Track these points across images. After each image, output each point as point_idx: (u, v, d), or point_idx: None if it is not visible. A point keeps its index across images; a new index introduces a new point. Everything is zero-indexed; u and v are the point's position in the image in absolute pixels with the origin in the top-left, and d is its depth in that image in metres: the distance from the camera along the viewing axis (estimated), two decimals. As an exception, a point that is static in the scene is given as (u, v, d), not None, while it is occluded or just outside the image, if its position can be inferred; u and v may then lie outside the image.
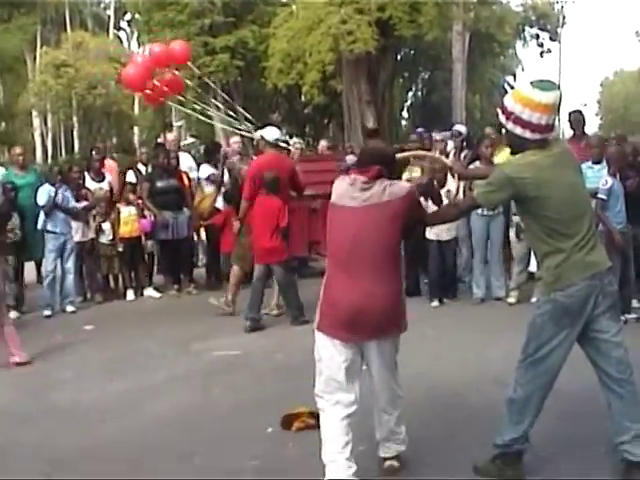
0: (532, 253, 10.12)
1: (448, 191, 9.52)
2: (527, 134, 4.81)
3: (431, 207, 5.72)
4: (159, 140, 16.36)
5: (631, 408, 4.95)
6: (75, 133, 49.12)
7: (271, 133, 11.08)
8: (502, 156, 10.82)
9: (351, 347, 5.11)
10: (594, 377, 5.22)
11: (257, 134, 11.78)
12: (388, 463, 5.46)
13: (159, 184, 12.91)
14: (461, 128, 13.33)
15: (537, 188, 4.78)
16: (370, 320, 5.05)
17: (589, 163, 9.77)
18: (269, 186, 10.37)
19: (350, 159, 14.57)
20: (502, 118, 4.94)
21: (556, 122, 5.01)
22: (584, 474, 5.17)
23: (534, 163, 4.81)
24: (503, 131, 5.19)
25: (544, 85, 4.81)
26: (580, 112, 12.33)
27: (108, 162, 14.57)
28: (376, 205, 4.94)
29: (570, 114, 12.26)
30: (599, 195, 9.10)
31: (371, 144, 6.36)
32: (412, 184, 5.58)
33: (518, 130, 4.83)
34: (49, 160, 43.70)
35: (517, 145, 4.95)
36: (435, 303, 11.21)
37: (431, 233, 10.85)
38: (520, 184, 4.79)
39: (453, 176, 5.97)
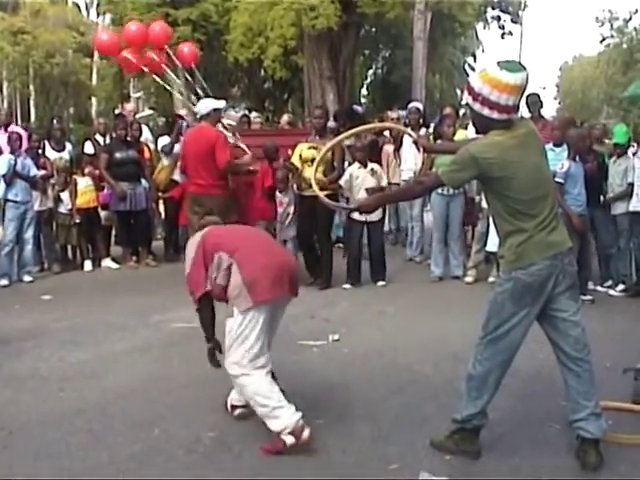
0: (489, 233, 10.28)
1: (422, 163, 9.57)
2: (494, 115, 4.83)
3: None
4: (117, 111, 16.20)
5: (587, 386, 5.03)
6: (32, 102, 48.48)
7: (200, 105, 11.10)
8: (460, 136, 10.94)
9: (270, 309, 5.46)
10: (550, 357, 5.31)
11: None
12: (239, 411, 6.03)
13: (117, 155, 12.82)
14: (418, 105, 13.35)
15: (502, 168, 4.81)
16: (290, 277, 5.55)
17: (550, 145, 9.84)
18: (267, 153, 11.58)
19: (330, 124, 14.67)
20: (469, 99, 4.94)
21: (521, 103, 5.04)
22: (539, 450, 5.26)
23: (499, 143, 4.84)
24: (467, 111, 5.21)
25: (512, 66, 4.83)
26: (537, 95, 12.42)
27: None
28: None
29: (527, 96, 12.32)
30: (556, 179, 9.18)
31: None
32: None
33: (486, 111, 4.85)
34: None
35: (483, 125, 4.97)
36: (347, 286, 11.19)
37: (357, 214, 10.40)
38: (485, 164, 4.82)
39: (419, 150, 5.99)
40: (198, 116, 11.10)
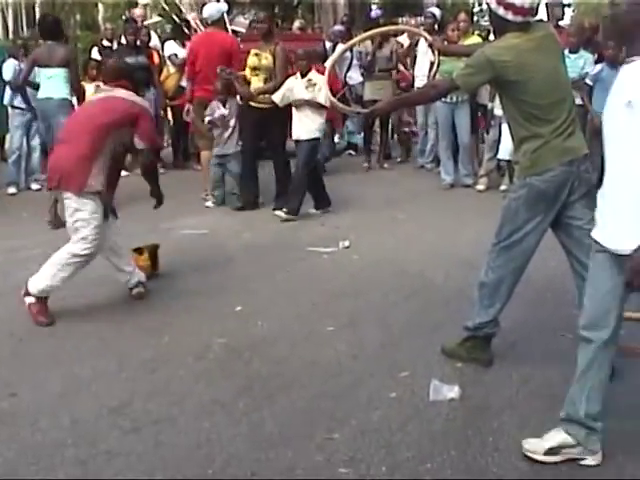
0: (501, 141, 10.17)
1: (431, 63, 9.24)
2: (509, 16, 4.69)
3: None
4: (133, 15, 15.97)
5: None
6: (37, 9, 47.81)
7: (207, 10, 10.92)
8: (472, 41, 10.75)
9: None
10: (562, 266, 5.26)
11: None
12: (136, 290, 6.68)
13: (127, 61, 12.64)
14: (435, 10, 13.09)
15: (517, 72, 4.69)
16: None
17: (566, 52, 9.65)
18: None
19: (339, 28, 14.43)
20: None
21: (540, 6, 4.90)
22: (551, 360, 5.22)
23: (516, 46, 4.71)
24: (484, 15, 5.08)
25: None
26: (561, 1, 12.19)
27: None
28: None
29: (547, 3, 12.09)
30: (586, 80, 9.04)
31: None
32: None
33: (501, 11, 4.71)
34: (10, 35, 42.64)
35: (499, 27, 4.84)
36: (279, 212, 9.74)
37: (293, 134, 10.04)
38: (500, 67, 4.70)
39: (433, 52, 5.85)
40: (210, 21, 10.92)
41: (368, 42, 12.59)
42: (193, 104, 10.78)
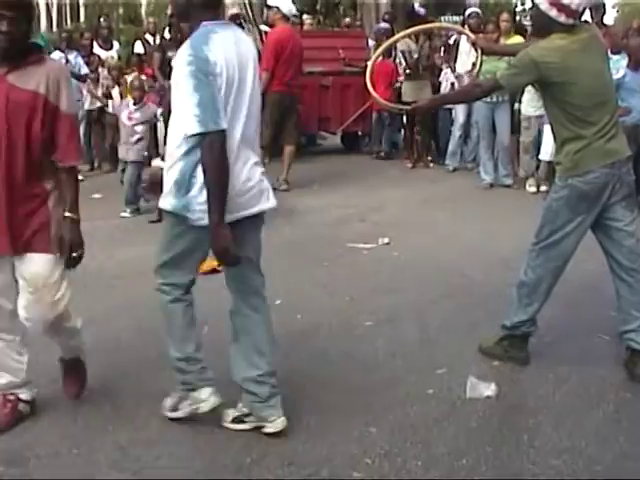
0: (542, 142, 10.17)
1: (473, 64, 9.14)
2: (562, 18, 4.70)
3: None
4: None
5: (639, 297, 4.98)
6: (81, 2, 48.13)
7: (288, 5, 10.97)
8: (512, 42, 10.73)
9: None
10: (600, 268, 5.29)
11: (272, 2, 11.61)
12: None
13: (170, 54, 12.74)
14: (476, 9, 13.03)
15: (562, 73, 4.71)
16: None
17: (608, 53, 9.59)
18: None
19: (384, 25, 14.40)
20: None
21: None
22: (587, 360, 5.24)
23: (561, 48, 4.73)
24: (528, 14, 5.09)
25: None
26: (602, 1, 12.08)
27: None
28: None
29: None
30: None
31: None
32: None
33: (553, 12, 4.70)
34: (54, 28, 42.92)
35: (545, 27, 4.83)
36: None
37: None
38: (545, 68, 4.72)
39: (477, 50, 5.87)
40: (291, 15, 11.11)
41: (409, 41, 12.63)
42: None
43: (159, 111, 10.06)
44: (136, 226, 8.96)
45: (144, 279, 6.92)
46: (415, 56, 12.86)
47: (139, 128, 9.81)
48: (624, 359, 5.10)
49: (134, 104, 9.93)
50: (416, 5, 15.00)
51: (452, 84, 12.67)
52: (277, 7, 11.02)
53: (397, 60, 13.33)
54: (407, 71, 13.05)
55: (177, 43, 12.68)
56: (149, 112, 10.00)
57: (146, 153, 10.01)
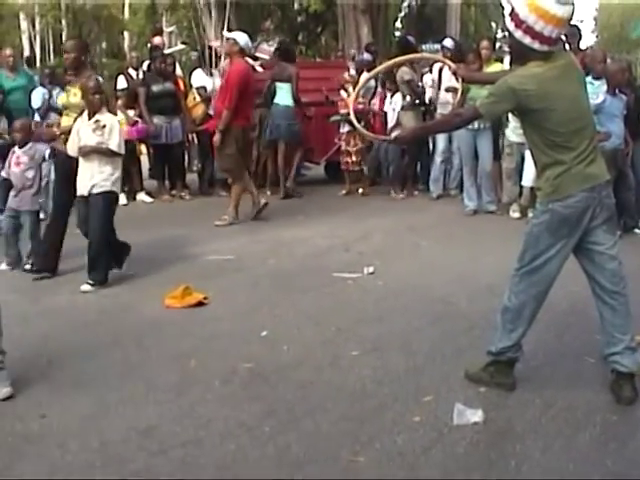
0: (524, 168, 10.26)
1: (455, 91, 9.13)
2: (536, 45, 4.73)
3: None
4: (154, 42, 16.15)
5: (623, 320, 5.00)
6: (64, 37, 48.19)
7: (244, 39, 10.99)
8: (495, 68, 10.83)
9: None
10: (584, 291, 5.29)
11: (227, 35, 11.69)
12: None
13: (154, 88, 12.83)
14: (448, 43, 13.05)
15: (540, 100, 4.75)
16: None
17: (589, 78, 9.68)
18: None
19: (366, 57, 14.45)
20: (511, 25, 4.82)
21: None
22: (574, 384, 5.25)
23: (538, 75, 4.77)
24: (505, 41, 5.15)
25: None
26: (577, 27, 12.16)
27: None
28: None
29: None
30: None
31: None
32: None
33: (527, 40, 4.74)
34: (37, 63, 43.02)
35: (522, 55, 4.88)
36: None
37: None
38: (523, 96, 4.76)
39: (457, 80, 5.93)
40: (247, 50, 11.09)
41: (411, 71, 12.72)
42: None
43: (47, 151, 8.81)
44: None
45: (129, 314, 7.00)
46: (420, 84, 12.92)
47: (29, 174, 8.72)
48: (610, 382, 5.12)
49: (19, 147, 8.83)
50: (409, 37, 15.05)
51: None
52: (234, 39, 11.03)
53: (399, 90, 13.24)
54: (416, 100, 12.94)
55: (162, 77, 12.84)
56: (38, 153, 8.78)
57: (42, 199, 9.17)
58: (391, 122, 12.92)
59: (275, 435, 4.58)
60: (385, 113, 13.22)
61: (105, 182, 7.95)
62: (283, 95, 13.05)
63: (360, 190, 13.46)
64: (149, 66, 13.40)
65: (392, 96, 12.96)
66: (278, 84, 13.19)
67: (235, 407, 5.02)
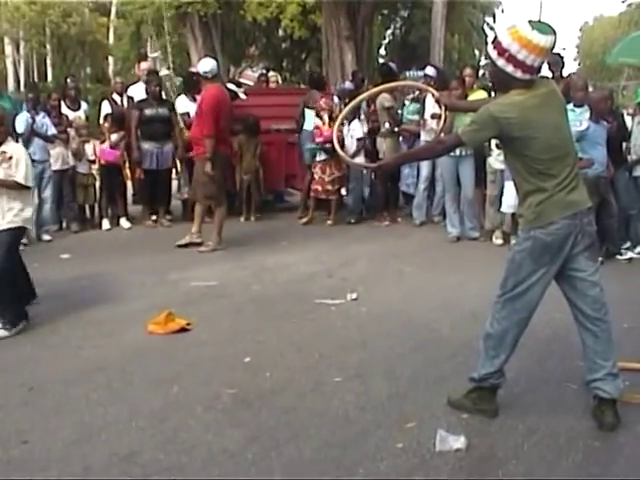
0: (504, 194, 10.33)
1: (439, 118, 9.06)
2: (518, 73, 4.77)
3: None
4: (139, 68, 16.09)
5: (605, 346, 5.03)
6: (49, 62, 48.30)
7: (207, 65, 11.02)
8: (478, 96, 10.89)
9: None
10: (567, 318, 5.32)
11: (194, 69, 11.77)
12: None
13: (147, 112, 12.79)
14: (430, 71, 13.11)
15: (522, 128, 4.78)
16: None
17: (571, 106, 9.75)
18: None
19: (348, 86, 14.49)
20: (493, 54, 4.85)
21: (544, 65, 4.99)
22: (556, 410, 5.28)
23: (520, 103, 4.81)
24: (488, 67, 5.19)
25: (543, 28, 4.75)
26: (559, 55, 12.25)
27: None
28: None
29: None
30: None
31: None
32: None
33: (509, 68, 4.78)
34: (22, 88, 43.05)
35: (504, 83, 4.91)
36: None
37: None
38: (505, 124, 4.79)
39: (440, 107, 5.98)
40: (211, 75, 11.01)
41: (391, 97, 12.77)
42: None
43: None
44: (106, 288, 8.92)
45: (114, 341, 6.99)
46: (400, 112, 12.99)
47: None
48: (592, 408, 5.14)
49: None
50: (391, 64, 15.08)
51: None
52: (199, 72, 11.17)
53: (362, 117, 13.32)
54: (394, 128, 12.99)
55: (157, 101, 12.84)
56: None
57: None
58: (350, 149, 12.78)
59: (258, 461, 4.58)
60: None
61: (15, 218, 7.38)
62: (311, 121, 13.28)
63: (329, 222, 13.33)
64: (146, 90, 13.32)
65: (349, 124, 12.87)
66: (307, 110, 13.49)
67: (218, 433, 5.02)
